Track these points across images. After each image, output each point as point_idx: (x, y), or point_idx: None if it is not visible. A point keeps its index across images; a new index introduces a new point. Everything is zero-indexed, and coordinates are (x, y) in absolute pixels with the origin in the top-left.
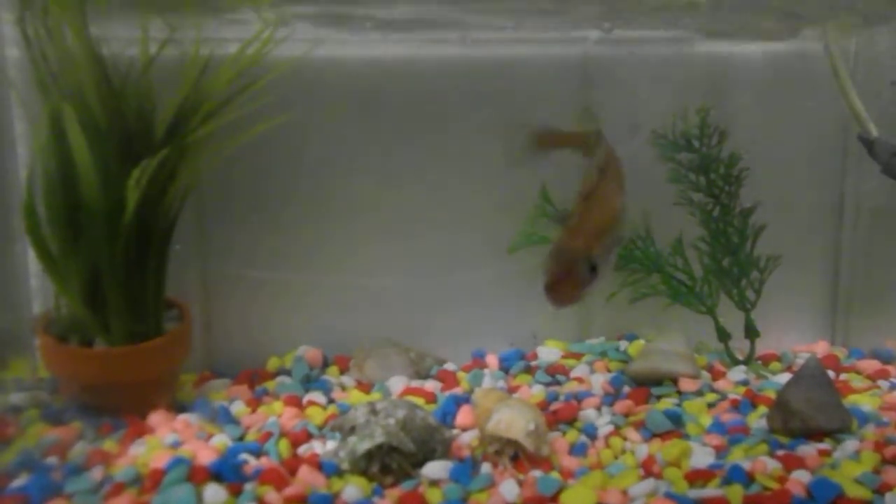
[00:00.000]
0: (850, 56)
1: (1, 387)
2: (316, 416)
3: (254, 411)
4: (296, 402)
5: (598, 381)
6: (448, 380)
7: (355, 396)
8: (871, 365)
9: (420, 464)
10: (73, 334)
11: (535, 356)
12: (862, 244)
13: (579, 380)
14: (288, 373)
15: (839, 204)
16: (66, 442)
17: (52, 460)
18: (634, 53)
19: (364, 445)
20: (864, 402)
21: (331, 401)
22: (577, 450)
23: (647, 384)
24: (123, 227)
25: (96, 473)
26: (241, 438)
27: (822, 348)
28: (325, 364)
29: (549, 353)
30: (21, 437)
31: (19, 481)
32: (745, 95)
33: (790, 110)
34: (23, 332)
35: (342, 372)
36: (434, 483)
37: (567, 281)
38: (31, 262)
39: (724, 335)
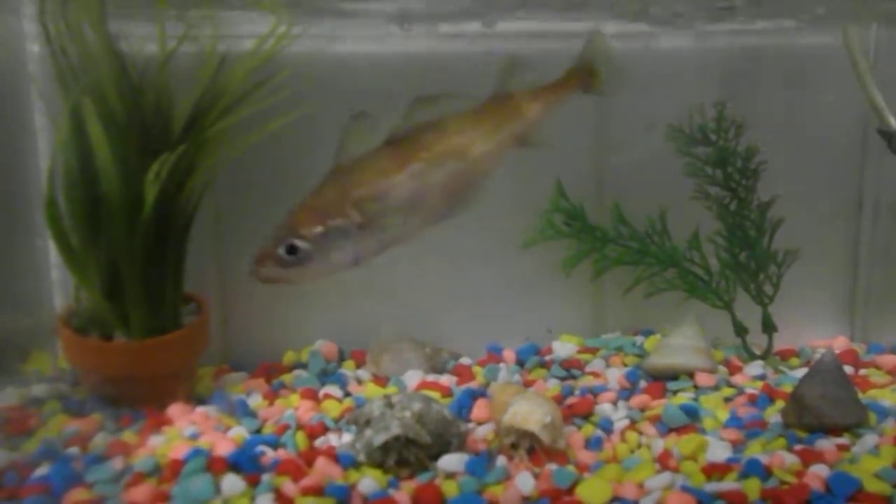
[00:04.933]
0: (870, 49)
1: (23, 379)
2: (332, 409)
3: (271, 404)
4: (312, 396)
5: (614, 376)
6: (463, 374)
7: (371, 390)
8: (891, 360)
9: (436, 457)
10: (93, 327)
11: (550, 351)
12: (881, 238)
13: (595, 374)
14: (304, 367)
15: (858, 198)
16: (86, 433)
17: (73, 450)
18: (649, 47)
19: (380, 438)
20: (884, 398)
21: (347, 394)
22: (592, 444)
23: (663, 379)
24: (142, 222)
25: (117, 463)
26: (258, 431)
27: (841, 343)
28: (342, 358)
29: (564, 347)
30: (43, 428)
31: (41, 470)
32: (763, 89)
33: (809, 103)
34: (44, 324)
35: (358, 366)
36: (450, 475)
37: (268, 257)
38: (52, 254)
39: (741, 330)
